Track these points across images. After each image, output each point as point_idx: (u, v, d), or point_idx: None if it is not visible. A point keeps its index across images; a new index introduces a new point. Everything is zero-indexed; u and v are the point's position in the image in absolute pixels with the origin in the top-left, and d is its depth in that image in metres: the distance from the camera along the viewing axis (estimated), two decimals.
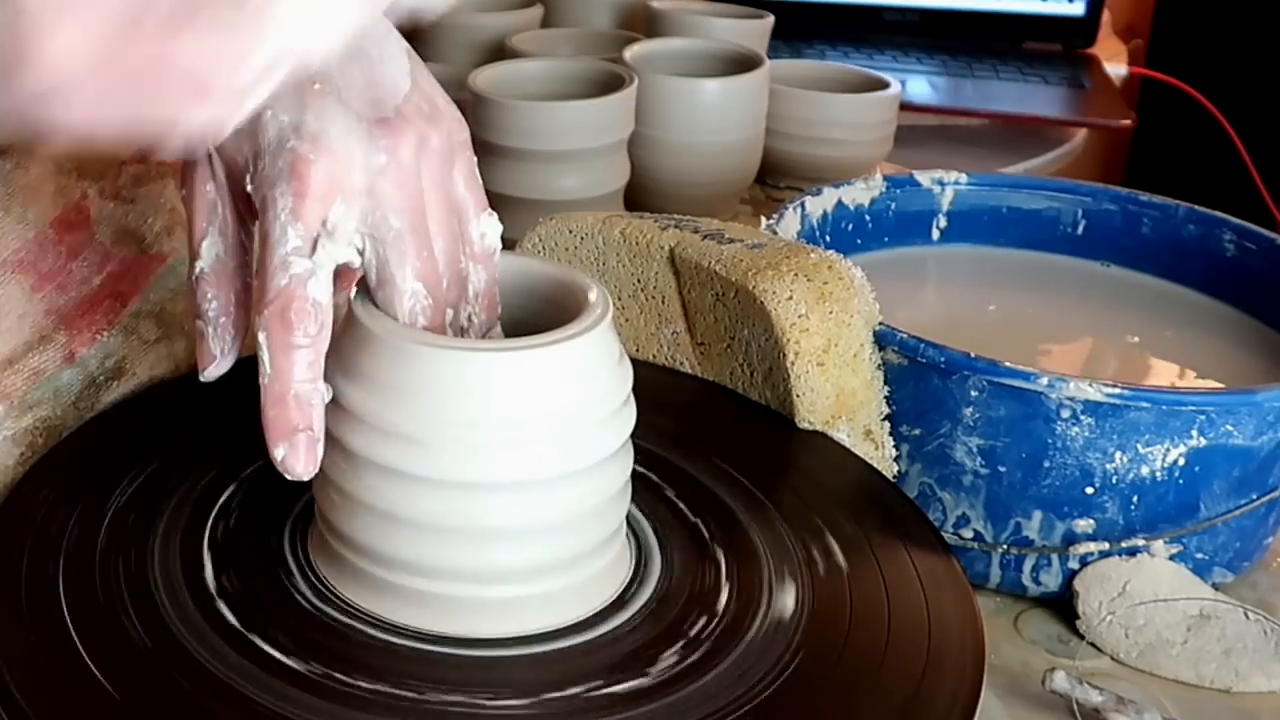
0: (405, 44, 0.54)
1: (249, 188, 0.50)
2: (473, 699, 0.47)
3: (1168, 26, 2.03)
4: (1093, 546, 0.63)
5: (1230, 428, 0.61)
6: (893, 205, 0.82)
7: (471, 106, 0.95)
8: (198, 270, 0.52)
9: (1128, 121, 1.39)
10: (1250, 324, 0.77)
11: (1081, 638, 0.63)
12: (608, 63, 1.04)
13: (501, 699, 0.47)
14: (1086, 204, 0.83)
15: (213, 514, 0.55)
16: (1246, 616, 0.62)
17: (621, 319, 0.72)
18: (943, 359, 0.62)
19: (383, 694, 0.47)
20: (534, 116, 0.95)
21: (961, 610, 0.54)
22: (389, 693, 0.47)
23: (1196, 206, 0.81)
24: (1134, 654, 0.62)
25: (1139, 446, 0.61)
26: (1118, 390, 0.60)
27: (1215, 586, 0.65)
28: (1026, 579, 0.65)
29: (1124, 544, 0.63)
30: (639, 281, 0.71)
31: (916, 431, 0.65)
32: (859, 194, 0.81)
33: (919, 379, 0.64)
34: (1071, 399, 0.60)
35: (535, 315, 0.54)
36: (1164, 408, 0.60)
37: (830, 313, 0.64)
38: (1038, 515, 0.63)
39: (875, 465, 0.64)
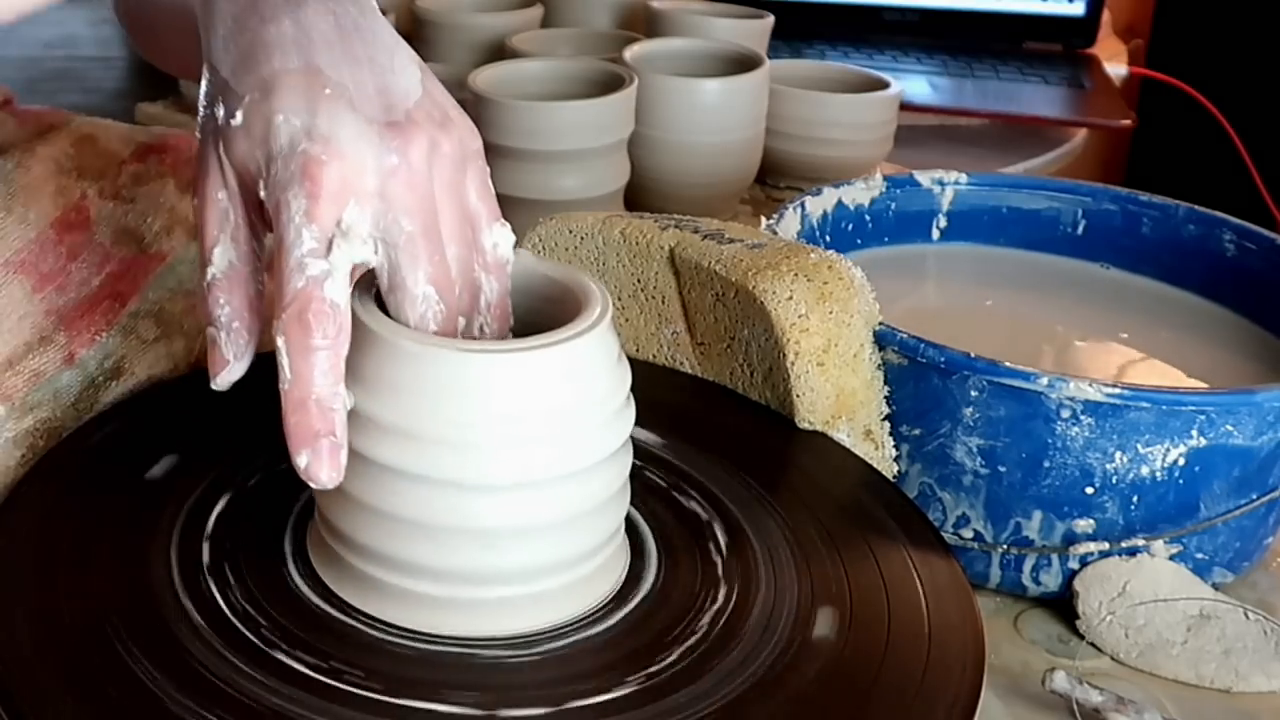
0: (416, 56, 0.54)
1: (262, 194, 0.50)
2: (472, 700, 0.47)
3: (1168, 26, 2.03)
4: (1093, 546, 0.63)
5: (1230, 428, 0.61)
6: (893, 205, 0.82)
7: (471, 106, 0.95)
8: (210, 277, 0.52)
9: (1128, 121, 1.39)
10: (1248, 328, 0.77)
11: (1081, 638, 0.63)
12: (608, 63, 1.04)
13: (502, 700, 0.47)
14: (1086, 204, 0.83)
15: (213, 514, 0.55)
16: (1246, 616, 0.62)
17: (621, 319, 0.72)
18: (943, 359, 0.62)
19: (383, 694, 0.47)
20: (534, 116, 0.95)
21: (961, 610, 0.54)
22: (389, 692, 0.47)
23: (1196, 206, 0.81)
24: (1134, 654, 0.62)
25: (1139, 446, 0.61)
26: (1118, 390, 0.60)
27: (1215, 586, 0.65)
28: (1026, 579, 0.65)
29: (1124, 544, 0.63)
30: (639, 281, 0.71)
31: (916, 431, 0.65)
32: (859, 194, 0.81)
33: (919, 379, 0.64)
34: (1071, 399, 0.60)
35: (535, 315, 0.54)
36: (1164, 408, 0.60)
37: (830, 313, 0.64)
38: (1038, 515, 0.63)
39: (875, 465, 0.64)
